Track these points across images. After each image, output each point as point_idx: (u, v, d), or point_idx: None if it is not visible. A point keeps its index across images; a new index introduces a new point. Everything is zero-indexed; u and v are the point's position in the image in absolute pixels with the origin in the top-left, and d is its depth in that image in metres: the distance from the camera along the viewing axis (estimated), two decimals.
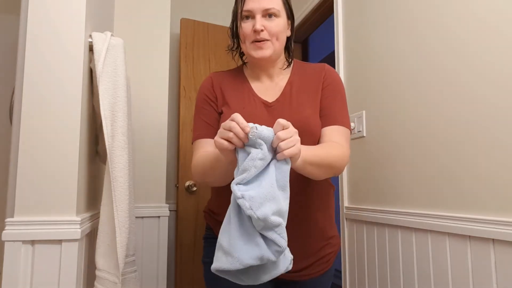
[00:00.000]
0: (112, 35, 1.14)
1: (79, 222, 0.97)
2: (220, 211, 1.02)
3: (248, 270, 0.74)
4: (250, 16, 0.97)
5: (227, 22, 2.49)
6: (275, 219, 0.68)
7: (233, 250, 0.69)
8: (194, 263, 2.10)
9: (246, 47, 1.01)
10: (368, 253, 1.47)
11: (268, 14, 0.97)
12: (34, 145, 0.97)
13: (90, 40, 1.09)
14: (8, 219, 0.94)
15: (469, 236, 1.01)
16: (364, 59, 1.56)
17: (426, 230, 1.16)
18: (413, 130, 1.26)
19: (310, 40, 3.79)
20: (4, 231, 0.92)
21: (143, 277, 1.66)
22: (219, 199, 1.04)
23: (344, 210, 1.64)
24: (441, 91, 1.15)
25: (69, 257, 0.96)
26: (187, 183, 2.13)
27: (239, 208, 0.71)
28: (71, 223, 0.96)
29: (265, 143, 0.71)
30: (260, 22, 0.95)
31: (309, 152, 0.83)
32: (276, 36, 0.98)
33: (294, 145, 0.73)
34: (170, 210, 2.12)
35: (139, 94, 1.75)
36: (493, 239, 0.94)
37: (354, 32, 1.66)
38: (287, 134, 0.72)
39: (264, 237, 0.70)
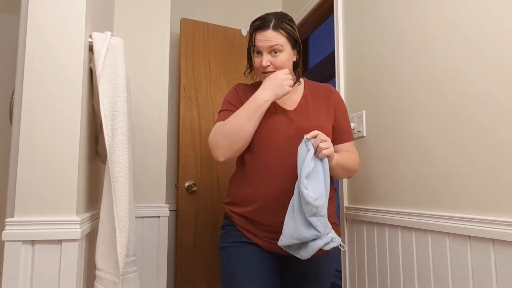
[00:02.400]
0: (112, 35, 1.14)
1: (79, 222, 0.97)
2: (240, 202, 1.19)
3: (301, 246, 1.01)
4: (259, 51, 1.17)
5: (227, 22, 2.49)
6: (323, 205, 0.98)
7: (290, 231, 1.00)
8: (194, 263, 2.09)
9: (259, 75, 1.23)
10: (368, 253, 1.47)
11: (273, 50, 1.15)
12: (34, 145, 0.97)
13: (90, 40, 1.09)
14: (8, 219, 0.94)
15: (469, 236, 1.01)
16: (364, 59, 1.56)
17: (426, 230, 1.16)
18: (413, 130, 1.26)
19: (310, 40, 3.79)
20: (4, 231, 0.92)
21: (143, 277, 1.66)
22: (242, 189, 1.19)
23: (344, 210, 1.64)
24: (441, 91, 1.15)
25: (69, 257, 0.96)
26: (187, 183, 2.13)
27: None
28: (71, 223, 0.96)
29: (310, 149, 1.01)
30: (266, 58, 1.15)
31: (338, 157, 1.12)
32: (281, 67, 1.16)
33: (330, 146, 1.02)
34: (170, 210, 2.13)
35: (139, 94, 1.75)
36: (493, 239, 0.94)
37: (354, 32, 1.65)
38: (325, 137, 1.01)
39: (308, 224, 0.98)
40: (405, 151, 1.29)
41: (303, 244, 1.01)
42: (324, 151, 1.00)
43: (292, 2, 2.36)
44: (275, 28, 1.14)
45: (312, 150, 1.00)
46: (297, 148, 1.04)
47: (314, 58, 3.46)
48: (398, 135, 1.33)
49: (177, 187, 2.13)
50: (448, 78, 1.12)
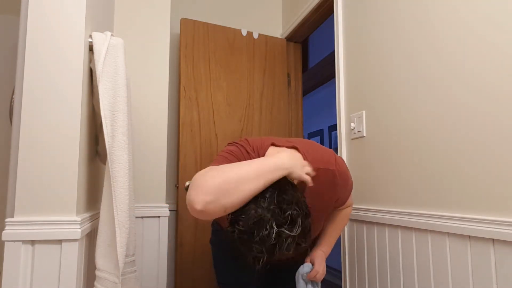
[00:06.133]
0: (112, 35, 1.14)
1: (79, 222, 0.97)
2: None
3: None
4: None
5: (227, 22, 2.48)
6: None
7: None
8: (194, 263, 2.09)
9: None
10: (368, 253, 1.47)
11: None
12: (34, 145, 0.97)
13: (90, 40, 1.09)
14: (8, 219, 0.94)
15: (469, 236, 1.01)
16: (364, 59, 1.56)
17: (426, 230, 1.16)
18: (413, 130, 1.26)
19: (310, 40, 3.80)
20: (4, 231, 0.92)
21: (143, 277, 1.66)
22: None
23: None
24: (441, 91, 1.15)
25: (69, 257, 0.96)
26: (187, 183, 2.12)
27: None
28: (71, 223, 0.96)
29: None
30: None
31: (327, 248, 1.19)
32: None
33: (323, 274, 1.13)
34: (170, 210, 2.13)
35: (139, 94, 1.75)
36: (493, 239, 0.94)
37: (354, 32, 1.65)
38: (322, 275, 1.12)
39: None
40: (405, 151, 1.29)
41: None
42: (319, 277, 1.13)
43: (292, 2, 2.36)
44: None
45: (310, 285, 1.16)
46: None
47: (314, 58, 3.46)
48: (398, 135, 1.33)
49: (177, 187, 2.12)
50: (448, 76, 1.12)
